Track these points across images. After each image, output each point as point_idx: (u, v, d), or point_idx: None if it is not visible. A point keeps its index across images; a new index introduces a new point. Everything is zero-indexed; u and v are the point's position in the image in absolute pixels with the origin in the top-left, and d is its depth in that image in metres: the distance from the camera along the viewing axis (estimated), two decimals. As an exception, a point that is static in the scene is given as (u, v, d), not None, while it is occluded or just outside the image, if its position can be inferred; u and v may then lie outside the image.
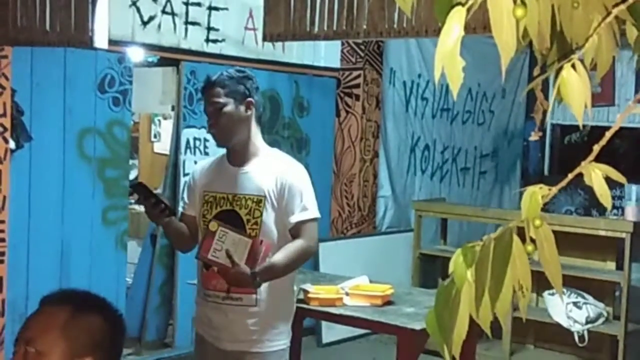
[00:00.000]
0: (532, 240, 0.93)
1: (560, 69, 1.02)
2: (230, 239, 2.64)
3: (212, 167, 2.89)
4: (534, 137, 1.22)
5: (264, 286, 2.72)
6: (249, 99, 2.76)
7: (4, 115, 3.66)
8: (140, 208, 6.31)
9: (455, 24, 0.91)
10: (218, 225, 2.66)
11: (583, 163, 0.92)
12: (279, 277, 2.72)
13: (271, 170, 2.74)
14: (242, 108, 2.75)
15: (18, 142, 4.03)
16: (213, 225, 2.66)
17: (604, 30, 1.08)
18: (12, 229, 3.89)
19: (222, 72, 2.82)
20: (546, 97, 1.33)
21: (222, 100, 2.72)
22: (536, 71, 1.15)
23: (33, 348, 1.54)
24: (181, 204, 2.98)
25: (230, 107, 2.73)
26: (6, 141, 3.71)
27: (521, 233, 0.96)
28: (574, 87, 0.93)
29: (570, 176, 0.93)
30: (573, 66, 0.96)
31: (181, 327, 5.11)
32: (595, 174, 0.94)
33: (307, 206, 2.73)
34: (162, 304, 5.25)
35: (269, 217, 2.71)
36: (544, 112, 1.33)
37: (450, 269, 0.93)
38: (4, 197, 3.72)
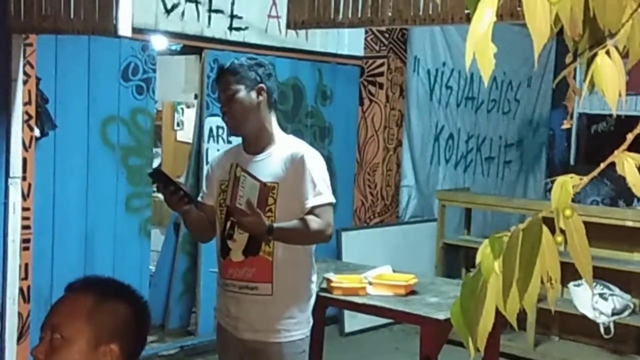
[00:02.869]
0: (562, 231, 0.91)
1: (593, 56, 0.99)
2: (248, 184, 2.69)
3: (229, 157, 2.90)
4: (566, 125, 1.19)
5: (281, 276, 2.72)
6: (260, 85, 2.75)
7: (29, 103, 3.68)
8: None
9: (487, 9, 0.89)
10: (242, 171, 2.71)
11: (616, 152, 0.90)
12: (290, 241, 2.69)
13: (284, 156, 2.74)
14: (254, 94, 2.75)
15: (43, 130, 4.05)
16: (238, 171, 2.72)
17: (637, 17, 1.05)
18: (37, 216, 3.92)
19: (233, 60, 2.83)
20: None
21: (233, 87, 2.73)
22: (568, 58, 1.12)
23: (59, 334, 1.55)
24: (200, 193, 2.99)
25: (241, 94, 2.73)
26: (31, 129, 3.74)
27: (549, 223, 0.94)
28: (608, 74, 0.91)
29: (602, 165, 0.90)
30: (607, 53, 0.93)
31: (204, 314, 5.13)
32: (628, 163, 0.91)
33: (321, 191, 2.71)
34: (185, 292, 5.28)
35: (282, 204, 2.70)
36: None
37: (477, 259, 0.90)
38: (29, 185, 3.74)
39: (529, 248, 0.87)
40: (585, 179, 0.89)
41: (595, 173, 0.90)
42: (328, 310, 4.12)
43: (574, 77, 1.23)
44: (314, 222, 2.69)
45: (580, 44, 1.21)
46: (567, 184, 0.88)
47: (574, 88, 1.14)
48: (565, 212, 0.87)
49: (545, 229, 0.89)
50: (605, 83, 0.91)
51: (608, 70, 0.91)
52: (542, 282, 0.89)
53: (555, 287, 0.89)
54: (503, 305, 0.88)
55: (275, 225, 2.62)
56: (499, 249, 0.89)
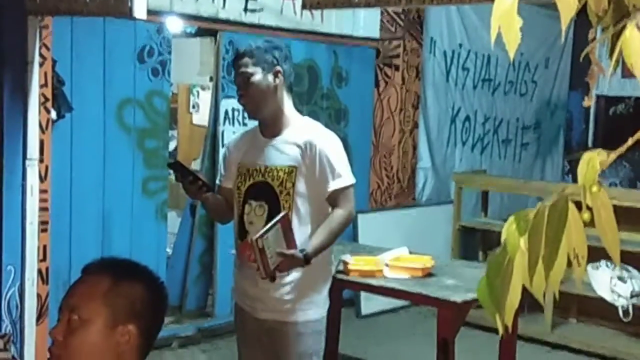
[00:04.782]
0: (588, 208, 0.89)
1: (617, 32, 0.97)
2: (271, 238, 2.54)
3: (246, 139, 2.90)
4: (586, 103, 1.17)
5: None
6: (277, 67, 2.75)
7: (45, 85, 3.68)
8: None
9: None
10: (262, 239, 2.52)
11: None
12: (326, 249, 2.75)
13: (302, 139, 2.73)
14: (270, 77, 2.75)
15: (59, 112, 4.06)
16: (260, 242, 2.52)
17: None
18: (54, 199, 3.93)
19: (250, 42, 2.84)
20: (590, 65, 1.28)
21: (249, 70, 2.73)
22: (591, 34, 1.09)
23: (76, 315, 1.55)
24: (218, 176, 2.99)
25: (258, 77, 2.73)
26: (48, 111, 3.73)
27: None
28: (637, 47, 0.88)
29: (630, 141, 0.88)
30: (637, 26, 0.90)
31: (221, 296, 5.15)
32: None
33: (341, 173, 2.72)
34: (201, 274, 5.30)
35: (301, 187, 2.71)
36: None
37: (503, 236, 0.89)
38: (47, 167, 3.75)
39: (555, 225, 0.86)
40: (613, 154, 0.87)
41: (622, 149, 0.88)
42: (344, 293, 4.13)
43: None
44: (335, 219, 2.72)
45: (604, 19, 1.18)
46: (594, 159, 0.86)
47: (597, 64, 1.11)
48: (592, 188, 0.85)
49: (571, 205, 0.87)
50: (635, 57, 0.88)
51: (637, 43, 0.88)
52: (568, 259, 0.88)
53: (582, 265, 0.87)
54: (529, 283, 0.87)
55: (309, 251, 2.63)
56: (525, 226, 0.87)
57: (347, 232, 5.48)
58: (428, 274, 3.47)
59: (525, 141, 7.43)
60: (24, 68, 3.48)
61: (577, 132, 7.94)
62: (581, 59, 1.00)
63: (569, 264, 0.92)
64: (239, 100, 2.82)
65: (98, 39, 4.41)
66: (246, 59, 2.74)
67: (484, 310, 0.96)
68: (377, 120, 6.25)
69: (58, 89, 4.01)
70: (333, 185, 2.71)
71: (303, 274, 2.75)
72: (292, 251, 2.60)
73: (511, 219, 0.89)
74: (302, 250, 2.63)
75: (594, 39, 1.19)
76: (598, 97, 7.54)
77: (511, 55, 0.90)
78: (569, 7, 0.89)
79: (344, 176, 2.73)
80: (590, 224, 0.92)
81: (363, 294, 5.44)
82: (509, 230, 0.88)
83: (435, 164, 6.48)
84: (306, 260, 2.63)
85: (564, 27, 0.90)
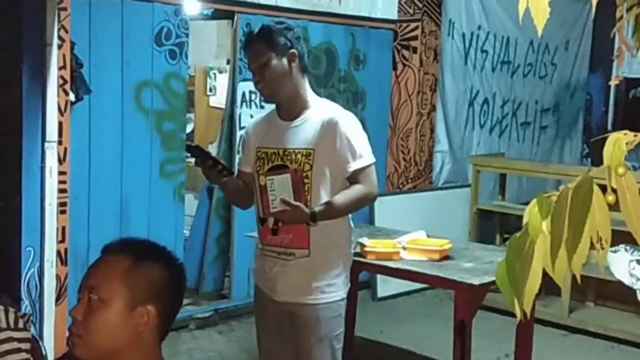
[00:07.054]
0: (613, 190, 0.87)
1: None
2: (277, 183, 2.66)
3: (263, 123, 2.89)
4: (614, 81, 1.15)
5: (318, 240, 2.72)
6: (292, 50, 2.72)
7: (64, 67, 3.70)
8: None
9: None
10: (265, 177, 2.69)
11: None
12: (338, 216, 2.74)
13: (320, 121, 2.72)
14: (285, 60, 2.72)
15: (78, 95, 4.07)
16: (262, 179, 2.69)
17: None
18: (73, 180, 3.96)
19: (262, 25, 2.80)
20: (610, 47, 1.26)
21: (264, 55, 2.70)
22: (619, 12, 1.07)
23: (96, 296, 1.56)
24: (237, 161, 2.98)
25: (273, 62, 2.70)
26: (66, 93, 3.75)
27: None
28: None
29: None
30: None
31: (238, 278, 5.17)
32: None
33: (361, 153, 2.72)
34: (218, 256, 5.32)
35: (318, 169, 2.70)
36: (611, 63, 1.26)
37: (525, 219, 0.88)
38: (65, 149, 3.78)
39: (578, 207, 0.84)
40: None
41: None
42: (361, 275, 4.12)
43: (605, 37, 1.19)
44: (355, 191, 2.71)
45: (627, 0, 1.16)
46: (620, 140, 0.84)
47: (625, 43, 1.09)
48: (618, 170, 0.84)
49: (596, 187, 0.85)
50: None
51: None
52: (591, 243, 0.86)
53: (606, 248, 0.85)
54: (551, 267, 0.86)
55: (316, 209, 2.64)
56: (547, 209, 0.86)
57: (364, 215, 5.49)
58: (445, 256, 3.46)
59: (544, 124, 7.36)
60: (42, 50, 3.49)
61: (596, 114, 7.85)
62: (612, 35, 0.98)
63: (590, 247, 0.91)
64: (255, 85, 2.80)
65: (116, 21, 4.40)
66: (259, 44, 2.71)
67: (500, 293, 0.95)
68: (394, 103, 6.22)
69: (76, 71, 4.02)
70: (354, 165, 2.71)
71: (323, 255, 2.75)
72: (297, 203, 2.60)
73: (534, 201, 0.87)
74: (311, 209, 2.64)
75: (622, 17, 1.17)
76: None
77: (539, 30, 0.89)
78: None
79: (364, 156, 2.73)
80: (610, 207, 0.90)
81: (379, 277, 5.44)
82: (531, 212, 0.87)
83: (453, 147, 6.45)
84: (312, 218, 2.63)
85: (594, 3, 0.88)
